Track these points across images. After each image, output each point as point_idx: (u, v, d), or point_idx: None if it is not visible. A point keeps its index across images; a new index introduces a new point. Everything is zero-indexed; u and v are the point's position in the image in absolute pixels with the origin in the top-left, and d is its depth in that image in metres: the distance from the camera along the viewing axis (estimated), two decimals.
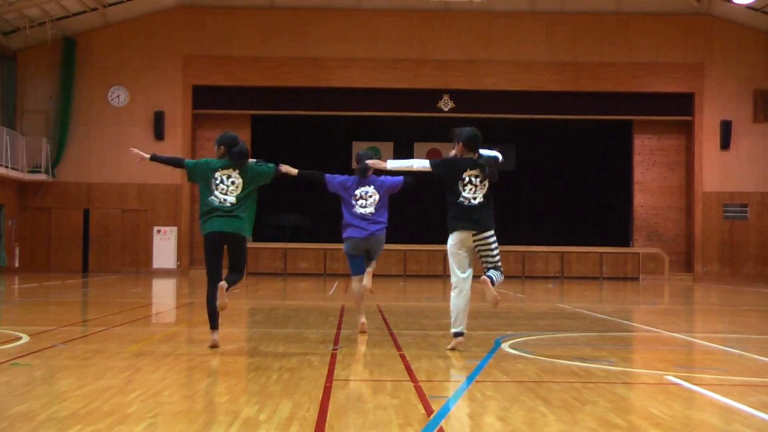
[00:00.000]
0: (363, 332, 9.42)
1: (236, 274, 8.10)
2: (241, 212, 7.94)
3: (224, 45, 28.32)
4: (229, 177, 8.00)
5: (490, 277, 7.95)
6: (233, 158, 8.00)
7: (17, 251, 27.69)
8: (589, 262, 28.54)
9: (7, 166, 25.89)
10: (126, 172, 27.97)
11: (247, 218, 7.99)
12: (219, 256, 8.05)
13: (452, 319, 8.12)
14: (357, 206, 8.97)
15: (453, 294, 8.10)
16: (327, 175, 8.98)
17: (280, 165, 8.37)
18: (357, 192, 9.00)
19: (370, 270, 9.23)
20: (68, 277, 23.90)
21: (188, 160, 8.31)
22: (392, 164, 8.38)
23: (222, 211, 7.92)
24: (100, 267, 27.79)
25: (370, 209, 8.97)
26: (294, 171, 8.57)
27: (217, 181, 8.00)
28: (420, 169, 8.28)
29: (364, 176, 9.03)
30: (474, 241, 8.05)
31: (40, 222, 28.02)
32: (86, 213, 28.09)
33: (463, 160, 8.10)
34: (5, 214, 26.84)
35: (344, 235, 9.13)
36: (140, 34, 28.39)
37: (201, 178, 8.08)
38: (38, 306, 13.87)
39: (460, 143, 8.13)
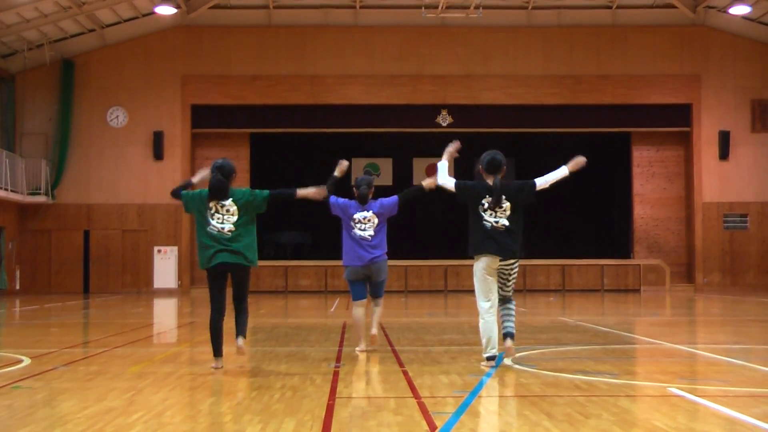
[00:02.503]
0: (374, 344, 9.40)
1: (243, 315, 8.04)
2: (241, 241, 7.81)
3: (222, 64, 28.37)
4: (223, 206, 7.85)
5: (511, 335, 8.07)
6: (210, 192, 7.87)
7: (18, 274, 27.66)
8: (590, 274, 28.51)
9: (6, 189, 25.90)
10: (125, 193, 27.99)
11: (249, 246, 7.86)
12: (223, 286, 7.98)
13: (483, 344, 8.10)
14: (356, 229, 9.04)
15: (480, 322, 8.08)
16: (331, 197, 8.98)
17: (298, 190, 8.08)
18: (356, 216, 9.07)
19: (377, 317, 9.35)
20: (69, 298, 23.86)
21: (184, 192, 8.09)
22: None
23: (222, 242, 7.78)
24: (101, 288, 27.75)
25: (369, 232, 9.04)
26: (312, 190, 8.14)
27: (212, 210, 7.86)
28: (444, 184, 8.25)
29: (365, 202, 9.10)
30: (498, 266, 8.07)
31: (41, 244, 28.00)
32: (86, 234, 28.07)
33: (480, 185, 8.06)
34: (5, 237, 26.84)
35: (344, 263, 9.20)
36: (138, 54, 28.45)
37: (196, 209, 7.93)
38: (39, 328, 13.85)
39: (480, 167, 8.13)
